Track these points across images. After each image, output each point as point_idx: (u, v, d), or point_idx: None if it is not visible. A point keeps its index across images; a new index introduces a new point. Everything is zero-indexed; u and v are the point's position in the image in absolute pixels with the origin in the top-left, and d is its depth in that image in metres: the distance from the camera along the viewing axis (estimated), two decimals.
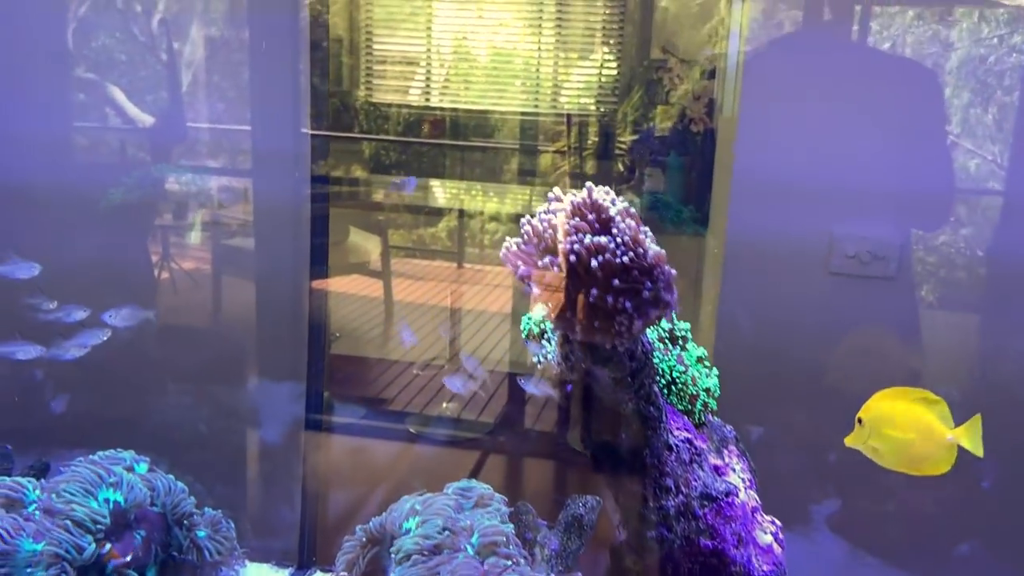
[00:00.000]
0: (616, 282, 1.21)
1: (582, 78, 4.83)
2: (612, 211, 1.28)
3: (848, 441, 1.30)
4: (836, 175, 1.80)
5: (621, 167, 4.17)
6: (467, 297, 4.79)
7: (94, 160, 2.99)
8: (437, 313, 4.47)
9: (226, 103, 4.78)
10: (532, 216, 1.31)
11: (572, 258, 1.22)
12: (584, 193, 1.31)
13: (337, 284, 4.47)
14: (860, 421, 1.29)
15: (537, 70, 4.91)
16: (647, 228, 1.34)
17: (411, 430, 3.46)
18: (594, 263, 1.21)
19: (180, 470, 1.72)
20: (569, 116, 4.68)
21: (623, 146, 4.36)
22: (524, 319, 1.28)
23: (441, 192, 5.51)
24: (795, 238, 1.82)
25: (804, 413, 1.84)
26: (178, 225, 3.41)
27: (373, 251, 4.52)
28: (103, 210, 2.53)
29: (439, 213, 5.85)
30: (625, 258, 1.21)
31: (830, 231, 1.81)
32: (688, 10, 4.12)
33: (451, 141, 5.46)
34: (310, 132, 2.99)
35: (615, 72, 4.70)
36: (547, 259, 1.23)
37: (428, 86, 5.16)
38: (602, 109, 4.70)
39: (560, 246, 1.23)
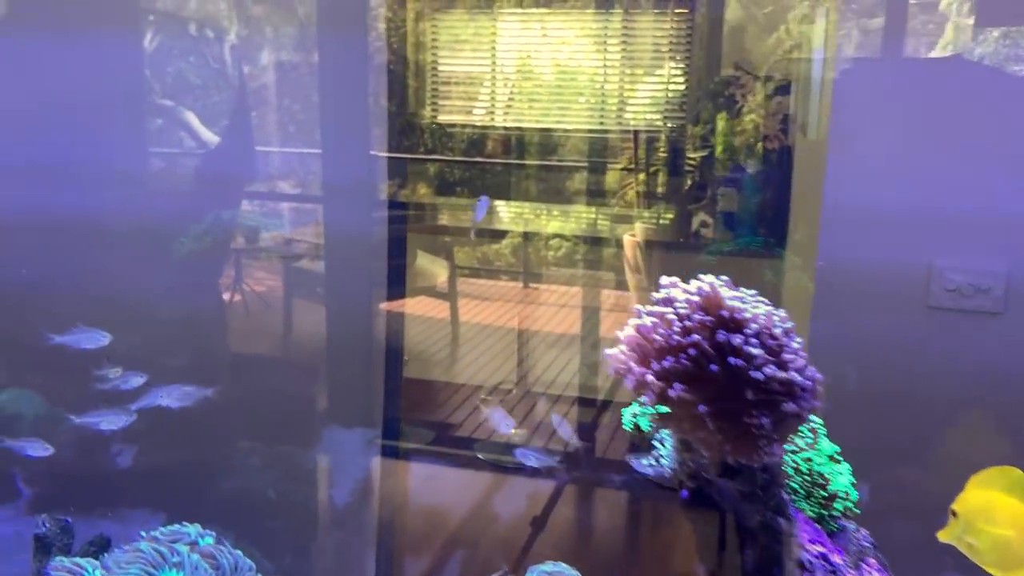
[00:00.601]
0: (751, 394, 1.00)
1: (648, 94, 4.75)
2: (745, 311, 1.04)
3: (942, 536, 1.10)
4: (935, 202, 1.70)
5: (691, 184, 4.09)
6: (533, 318, 4.74)
7: (169, 192, 3.01)
8: (503, 335, 4.43)
9: (296, 126, 4.83)
10: (643, 309, 1.09)
11: (696, 363, 1.02)
12: (702, 286, 1.10)
13: (404, 306, 4.47)
14: (954, 514, 1.10)
15: (603, 87, 4.85)
16: (789, 323, 1.11)
17: (479, 456, 3.41)
18: (724, 369, 1.00)
19: (248, 529, 1.69)
20: (636, 133, 4.61)
21: (692, 163, 4.27)
22: (625, 413, 1.11)
23: (506, 212, 5.48)
24: (891, 270, 1.72)
25: (906, 467, 1.73)
26: (251, 248, 3.43)
27: (440, 273, 4.50)
28: (175, 257, 2.52)
29: (506, 235, 5.83)
30: (764, 371, 1.00)
31: (929, 262, 1.71)
32: (761, 26, 4.02)
33: (516, 160, 5.43)
34: (385, 154, 2.97)
35: (682, 88, 4.61)
36: (665, 362, 1.03)
37: (493, 105, 5.14)
38: (670, 125, 4.62)
39: (677, 344, 1.04)
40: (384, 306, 4.10)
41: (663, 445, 1.15)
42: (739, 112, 3.79)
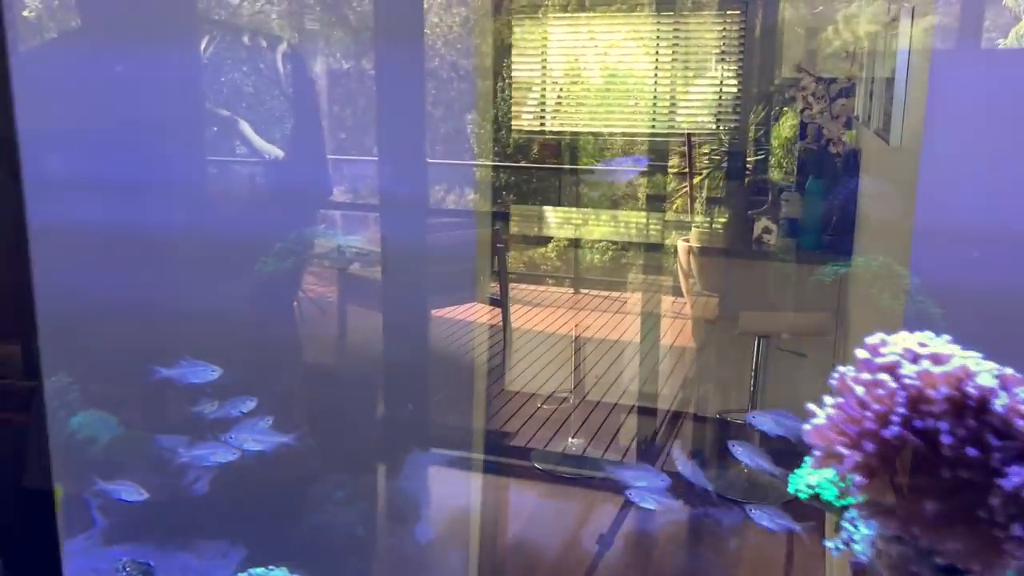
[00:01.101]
0: (999, 500, 0.78)
1: (700, 97, 4.68)
2: (990, 387, 0.81)
3: None
4: None
5: (748, 188, 4.01)
6: (586, 324, 4.69)
7: (241, 207, 2.99)
8: (556, 341, 4.39)
9: (348, 133, 4.84)
10: (847, 373, 0.87)
11: (925, 451, 0.81)
12: (936, 350, 0.87)
13: (456, 313, 4.45)
14: None
15: (654, 89, 4.78)
16: None
17: (537, 466, 3.37)
18: (958, 455, 0.79)
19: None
20: (689, 136, 4.53)
21: (749, 166, 4.19)
22: (797, 478, 0.90)
23: (554, 217, 5.43)
24: (989, 290, 1.64)
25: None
26: (332, 264, 3.40)
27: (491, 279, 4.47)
28: (256, 276, 2.50)
29: (556, 240, 5.78)
30: (1014, 479, 0.78)
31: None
32: (822, 26, 3.93)
33: (567, 165, 5.39)
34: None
35: (735, 90, 4.53)
36: (883, 434, 0.75)
37: (543, 109, 5.10)
38: (722, 128, 4.54)
39: (902, 426, 0.82)
40: (436, 313, 4.09)
41: (855, 527, 0.92)
42: (801, 115, 3.70)
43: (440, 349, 4.10)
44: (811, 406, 0.90)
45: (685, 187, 4.56)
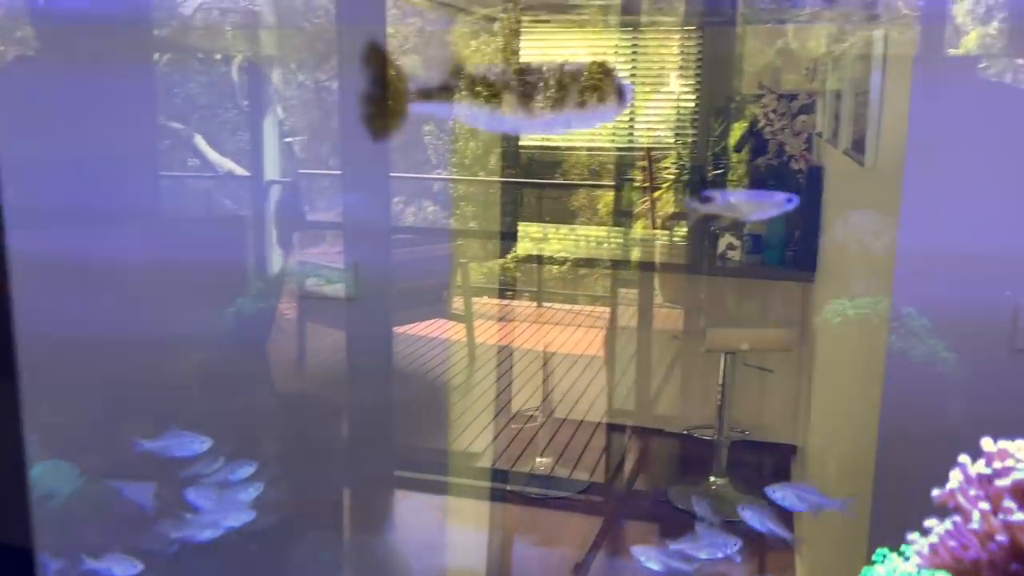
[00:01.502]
0: None
1: (659, 112, 4.69)
2: None
3: None
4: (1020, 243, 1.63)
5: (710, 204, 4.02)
6: (551, 339, 4.66)
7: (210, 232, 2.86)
8: (521, 357, 4.34)
9: (313, 147, 4.73)
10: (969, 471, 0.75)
11: None
12: None
13: (418, 329, 4.38)
14: None
15: None
16: None
17: (507, 488, 3.32)
18: None
19: None
20: (649, 151, 4.54)
21: (710, 181, 4.20)
22: (866, 572, 0.79)
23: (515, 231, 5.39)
24: (973, 311, 1.65)
25: None
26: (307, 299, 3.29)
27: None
28: (230, 318, 2.38)
29: (515, 253, 5.74)
30: None
31: (1015, 302, 1.64)
32: (785, 43, 3.96)
33: (524, 179, 5.35)
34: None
35: (693, 105, 4.55)
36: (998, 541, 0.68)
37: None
38: (680, 142, 4.55)
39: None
40: (397, 329, 4.01)
41: None
42: (762, 131, 3.73)
43: (407, 368, 4.03)
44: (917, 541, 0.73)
45: (646, 201, 4.56)
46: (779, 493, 1.72)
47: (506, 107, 0.84)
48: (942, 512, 0.76)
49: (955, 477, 0.73)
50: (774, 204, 1.48)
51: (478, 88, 0.84)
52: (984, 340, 1.67)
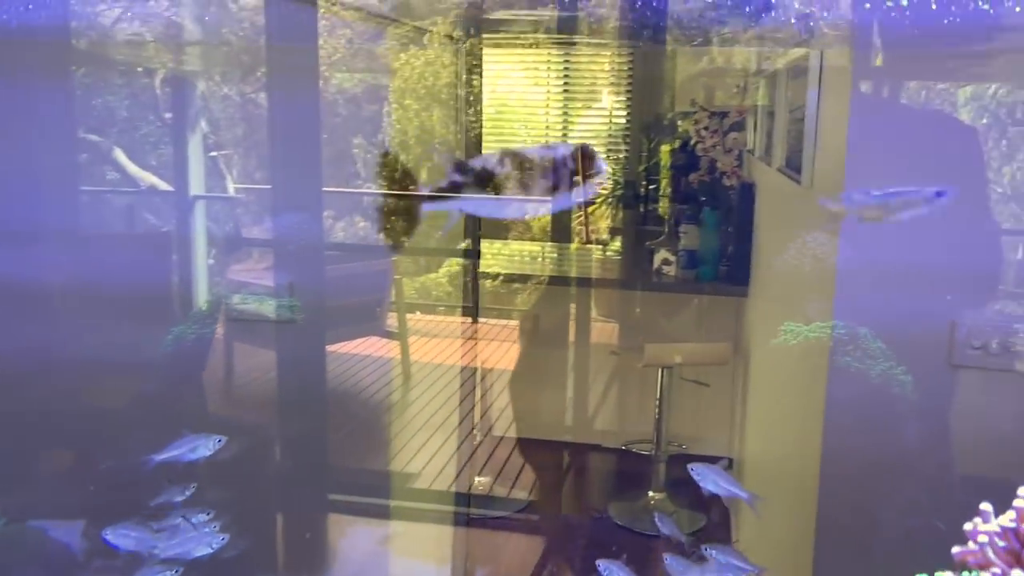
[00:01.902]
0: None
1: (590, 127, 4.72)
2: None
3: None
4: (958, 256, 1.67)
5: (645, 219, 4.05)
6: (486, 355, 4.61)
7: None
8: (456, 374, 4.28)
9: (245, 164, 4.60)
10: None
11: None
12: None
13: (351, 347, 4.28)
14: None
15: (545, 119, 4.80)
16: None
17: (446, 509, 3.26)
18: None
19: None
20: None
21: (644, 196, 4.24)
22: None
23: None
24: (912, 327, 1.68)
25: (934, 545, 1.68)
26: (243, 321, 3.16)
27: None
28: (160, 353, 2.26)
29: (449, 268, 5.68)
30: None
31: (952, 319, 1.67)
32: (715, 61, 4.03)
33: (451, 194, 5.30)
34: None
35: (625, 121, 4.59)
36: None
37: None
38: (611, 157, 4.59)
39: None
40: (330, 348, 3.91)
41: None
42: (694, 148, 3.78)
43: (341, 388, 3.93)
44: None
45: (580, 216, 4.57)
46: (697, 470, 1.71)
47: (508, 194, 0.92)
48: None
49: (983, 528, 0.69)
50: (923, 200, 1.47)
51: (485, 182, 0.92)
52: (922, 355, 1.70)
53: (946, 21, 1.68)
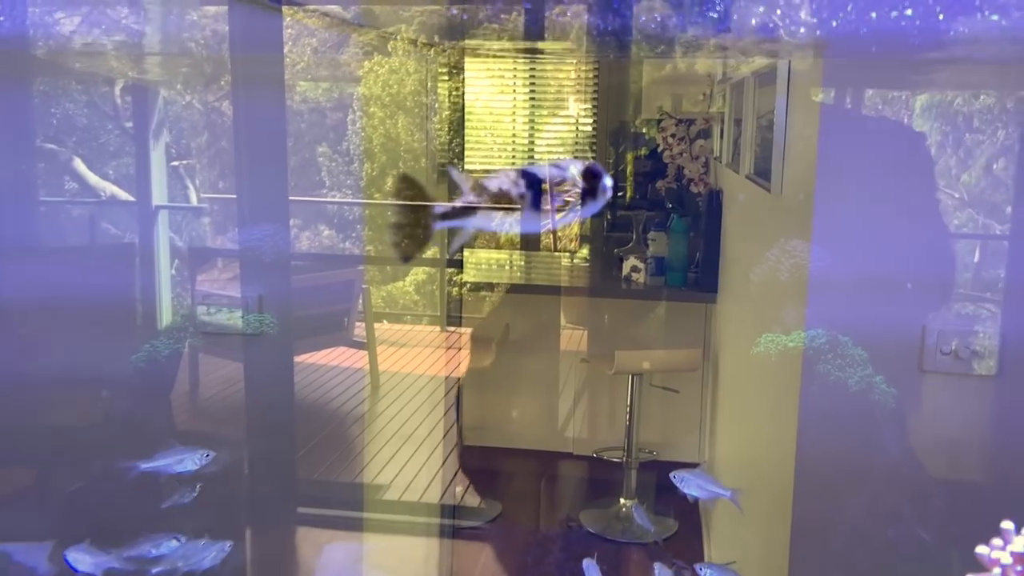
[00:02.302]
0: None
1: (557, 134, 4.74)
2: None
3: None
4: (927, 262, 1.69)
5: (612, 226, 4.06)
6: (455, 363, 4.59)
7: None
8: (424, 383, 4.26)
9: (209, 173, 4.53)
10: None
11: None
12: None
13: (320, 357, 4.23)
14: None
15: (512, 127, 4.80)
16: None
17: (417, 520, 3.23)
18: None
19: None
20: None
21: (610, 204, 4.25)
22: None
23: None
24: (883, 333, 1.70)
25: (911, 552, 1.69)
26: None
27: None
28: (129, 371, 2.20)
29: (415, 276, 5.65)
30: None
31: (923, 326, 1.69)
32: (681, 69, 4.06)
33: (421, 203, 5.28)
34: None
35: (591, 128, 4.61)
36: None
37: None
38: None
39: None
40: (298, 359, 3.87)
41: None
42: (661, 155, 3.80)
43: (308, 399, 3.88)
44: None
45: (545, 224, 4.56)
46: (680, 476, 1.74)
47: (523, 213, 0.98)
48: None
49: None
50: None
51: (501, 203, 0.98)
52: (894, 361, 1.72)
53: (909, 32, 1.71)
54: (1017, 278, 1.65)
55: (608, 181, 1.02)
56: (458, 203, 0.99)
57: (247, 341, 3.07)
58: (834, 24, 1.69)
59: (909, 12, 1.64)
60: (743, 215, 2.82)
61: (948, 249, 1.73)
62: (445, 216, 1.00)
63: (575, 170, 1.00)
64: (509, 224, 1.01)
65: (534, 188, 0.98)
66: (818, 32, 1.90)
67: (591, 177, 0.99)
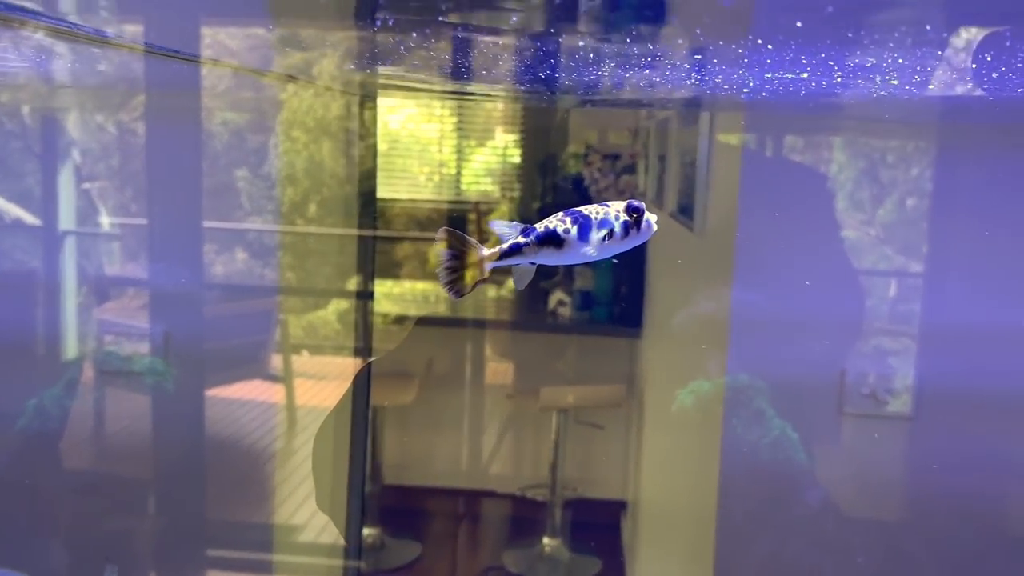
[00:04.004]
0: None
1: (484, 164, 4.72)
2: None
3: None
4: (846, 308, 1.71)
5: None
6: (376, 398, 4.48)
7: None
8: (344, 419, 4.13)
9: (120, 197, 4.34)
10: None
11: None
12: None
13: (234, 391, 4.07)
14: None
15: (439, 155, 4.76)
16: None
17: (333, 563, 3.11)
18: None
19: None
20: (477, 204, 4.53)
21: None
22: None
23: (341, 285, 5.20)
24: (804, 377, 1.70)
25: None
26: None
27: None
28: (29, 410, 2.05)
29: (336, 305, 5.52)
30: None
31: (843, 368, 1.70)
32: (607, 108, 4.09)
33: (354, 231, 5.19)
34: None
35: (519, 160, 4.60)
36: None
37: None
38: (506, 196, 4.58)
39: None
40: (210, 392, 3.72)
41: None
42: (587, 188, 3.81)
43: (219, 435, 3.71)
44: None
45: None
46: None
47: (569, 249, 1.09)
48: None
49: None
50: None
51: (550, 243, 1.09)
52: (814, 404, 1.72)
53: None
54: (929, 315, 1.68)
55: (652, 217, 1.13)
56: (506, 247, 1.07)
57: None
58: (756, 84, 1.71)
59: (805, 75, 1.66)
60: (667, 252, 2.83)
61: (863, 288, 1.75)
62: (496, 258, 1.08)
63: (618, 207, 1.12)
64: (559, 257, 1.10)
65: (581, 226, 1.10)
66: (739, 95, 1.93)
67: (634, 212, 1.10)
